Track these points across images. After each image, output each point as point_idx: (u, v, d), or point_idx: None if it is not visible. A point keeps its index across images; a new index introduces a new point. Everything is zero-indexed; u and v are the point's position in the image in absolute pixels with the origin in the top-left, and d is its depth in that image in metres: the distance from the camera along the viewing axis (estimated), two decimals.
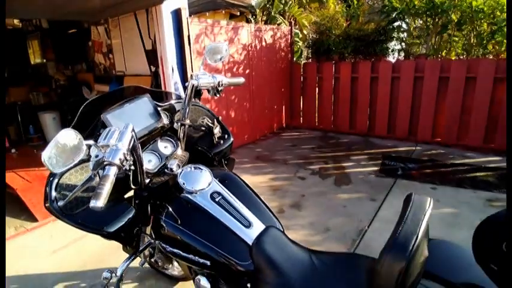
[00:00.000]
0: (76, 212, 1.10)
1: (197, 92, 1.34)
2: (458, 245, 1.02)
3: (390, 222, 1.23)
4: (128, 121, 0.96)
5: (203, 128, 1.44)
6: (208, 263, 1.07)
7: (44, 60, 5.63)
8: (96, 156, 0.98)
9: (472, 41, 4.59)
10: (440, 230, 2.31)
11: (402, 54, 5.65)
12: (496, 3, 4.03)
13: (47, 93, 5.37)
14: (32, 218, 2.71)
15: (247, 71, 4.53)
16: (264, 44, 4.78)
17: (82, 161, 1.10)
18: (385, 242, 0.73)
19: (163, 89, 3.49)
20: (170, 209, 1.15)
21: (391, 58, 5.61)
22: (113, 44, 4.52)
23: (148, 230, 1.40)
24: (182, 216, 1.13)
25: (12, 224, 2.67)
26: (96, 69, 5.07)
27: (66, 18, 4.49)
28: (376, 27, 5.12)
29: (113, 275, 1.23)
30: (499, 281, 0.73)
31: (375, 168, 3.60)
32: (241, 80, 1.50)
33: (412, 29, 5.42)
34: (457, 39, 4.85)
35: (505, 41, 4.11)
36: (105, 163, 0.86)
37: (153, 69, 3.95)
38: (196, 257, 1.08)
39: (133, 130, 0.95)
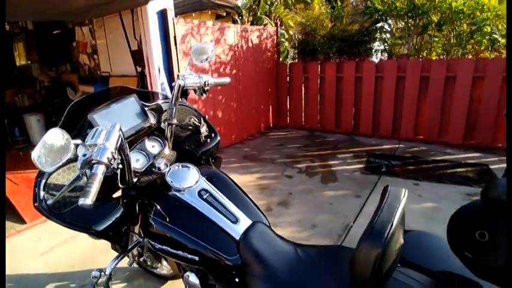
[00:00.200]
0: (64, 211, 1.10)
1: (184, 92, 1.36)
2: (436, 236, 1.07)
3: None
4: (115, 121, 0.98)
5: (190, 127, 1.46)
6: (196, 258, 1.09)
7: (29, 62, 5.52)
8: (84, 155, 0.99)
9: (451, 41, 4.75)
10: (422, 223, 2.41)
11: (385, 54, 5.79)
12: (475, 3, 4.17)
13: (32, 95, 5.26)
14: (21, 220, 2.68)
15: (234, 72, 4.55)
16: (250, 44, 4.82)
17: (69, 161, 1.11)
18: None
19: (149, 89, 3.48)
20: (158, 207, 1.16)
21: (375, 58, 5.74)
22: (97, 45, 4.46)
23: (136, 228, 1.41)
24: (170, 214, 1.15)
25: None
26: (81, 70, 4.99)
27: (51, 19, 4.41)
28: (360, 28, 5.24)
29: (102, 274, 1.24)
30: (472, 267, 0.79)
31: (360, 166, 3.69)
32: (227, 80, 1.53)
33: (394, 29, 5.56)
34: (437, 39, 5.01)
35: (484, 40, 4.27)
36: (93, 162, 0.87)
37: (139, 69, 3.93)
38: (185, 253, 1.10)
39: (120, 129, 0.96)
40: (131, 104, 1.32)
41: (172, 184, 1.18)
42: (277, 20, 6.13)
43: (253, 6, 6.02)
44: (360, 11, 5.72)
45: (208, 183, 1.24)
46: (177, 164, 1.26)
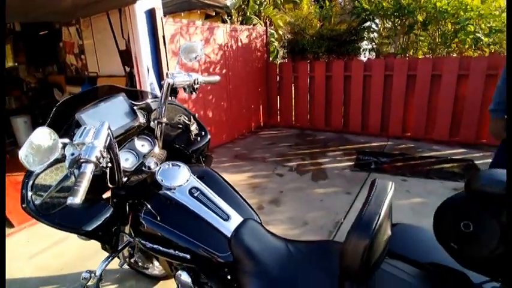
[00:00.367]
0: (53, 212, 1.09)
1: (173, 91, 1.35)
2: (423, 228, 1.10)
3: None
4: (103, 120, 0.97)
5: (180, 126, 1.45)
6: (188, 256, 1.09)
7: (16, 64, 5.40)
8: (72, 154, 0.98)
9: (437, 40, 4.85)
10: (411, 218, 2.46)
11: (373, 53, 5.87)
12: (459, 3, 4.27)
13: (19, 97, 5.15)
14: (9, 224, 2.63)
15: (224, 71, 4.55)
16: (240, 44, 4.82)
17: (57, 161, 1.10)
18: None
19: (137, 89, 3.45)
20: (149, 206, 1.16)
21: (363, 57, 5.81)
22: (85, 45, 4.40)
23: (127, 229, 1.40)
24: (161, 213, 1.14)
25: None
26: (68, 70, 4.91)
27: (38, 20, 4.33)
28: (348, 28, 5.30)
29: (92, 275, 1.23)
30: (458, 257, 0.81)
31: (350, 163, 3.74)
32: (217, 78, 1.53)
33: (381, 29, 5.65)
34: (423, 38, 5.11)
35: (468, 39, 4.37)
36: (81, 161, 0.86)
37: (127, 69, 3.89)
38: (177, 252, 1.10)
39: (109, 128, 0.96)
40: (120, 103, 1.31)
41: (163, 183, 1.17)
42: (267, 20, 6.14)
43: (243, 6, 6.03)
44: (347, 11, 5.79)
45: (199, 181, 1.24)
46: (168, 162, 1.25)
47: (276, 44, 6.37)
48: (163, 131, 1.37)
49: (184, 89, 1.40)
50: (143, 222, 1.16)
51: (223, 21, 5.86)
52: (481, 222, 0.74)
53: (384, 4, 4.76)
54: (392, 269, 0.87)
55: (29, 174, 1.09)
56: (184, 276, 1.15)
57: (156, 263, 1.80)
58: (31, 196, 1.07)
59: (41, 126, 0.83)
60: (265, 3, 6.31)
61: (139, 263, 1.77)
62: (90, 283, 1.24)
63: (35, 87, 5.32)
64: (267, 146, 4.59)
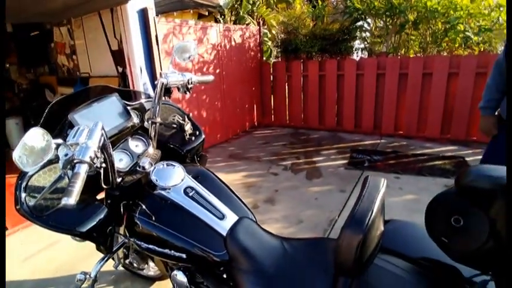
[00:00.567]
0: (47, 213, 1.08)
1: (167, 90, 1.35)
2: (415, 224, 1.11)
3: None
4: (97, 121, 0.96)
5: (174, 126, 1.45)
6: (184, 256, 1.09)
7: (7, 65, 5.31)
8: (66, 155, 0.98)
9: (427, 40, 4.92)
10: (404, 214, 2.49)
11: (365, 52, 5.92)
12: (449, 3, 4.33)
13: (10, 99, 5.07)
14: None
15: (218, 71, 4.54)
16: (233, 43, 4.82)
17: (50, 162, 1.09)
18: None
19: (131, 89, 3.43)
20: (144, 206, 1.15)
21: (355, 56, 5.86)
22: (76, 45, 4.35)
23: (121, 229, 1.39)
24: (156, 212, 1.14)
25: None
26: (59, 71, 4.86)
27: (29, 20, 4.27)
28: (341, 27, 5.33)
29: (87, 277, 1.22)
30: (449, 251, 0.82)
31: (344, 162, 3.77)
32: (211, 77, 1.53)
33: (373, 28, 5.69)
34: (414, 37, 5.17)
35: (458, 38, 4.44)
36: (75, 161, 0.86)
37: (120, 69, 3.86)
38: (172, 251, 1.10)
39: (103, 128, 0.95)
40: (113, 103, 1.30)
41: (158, 183, 1.17)
42: (260, 20, 6.15)
43: (236, 6, 6.03)
44: (340, 10, 5.82)
45: (194, 180, 1.24)
46: (162, 162, 1.25)
47: (269, 43, 6.38)
48: (158, 131, 1.37)
49: (178, 89, 1.39)
50: (138, 222, 1.15)
51: (216, 21, 5.86)
52: (471, 217, 0.75)
53: (376, 4, 4.80)
54: (385, 264, 0.89)
55: (22, 175, 1.08)
56: (180, 276, 1.15)
57: (151, 263, 1.80)
58: (25, 198, 1.06)
59: (34, 127, 0.83)
60: (258, 2, 6.32)
61: (135, 264, 1.76)
62: (85, 285, 1.23)
63: (26, 88, 5.25)
64: (261, 146, 4.59)
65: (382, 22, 5.30)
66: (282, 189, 3.16)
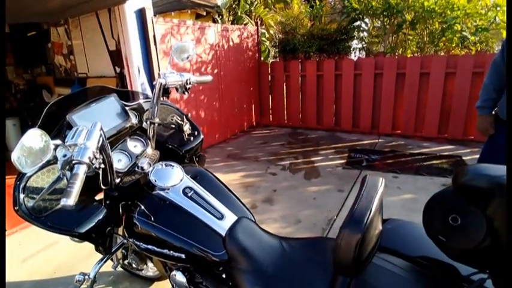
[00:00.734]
0: (46, 214, 1.08)
1: (165, 91, 1.34)
2: (413, 223, 1.12)
3: None
4: (95, 121, 0.96)
5: (173, 126, 1.45)
6: (183, 256, 1.09)
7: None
8: (64, 155, 0.98)
9: (424, 39, 4.93)
10: (402, 214, 2.49)
11: (363, 52, 5.94)
12: (446, 2, 4.35)
13: (7, 99, 5.05)
14: None
15: (216, 71, 4.54)
16: (231, 43, 4.82)
17: (49, 163, 1.09)
18: None
19: (129, 89, 3.42)
20: (142, 206, 1.15)
21: (353, 56, 5.87)
22: (73, 45, 4.34)
23: (120, 230, 1.39)
24: (155, 213, 1.14)
25: None
26: (57, 71, 4.84)
27: (26, 20, 4.25)
28: (338, 27, 5.34)
29: (86, 277, 1.22)
30: (447, 250, 0.83)
31: (342, 161, 3.78)
32: (209, 78, 1.53)
33: (371, 28, 5.71)
34: (411, 37, 5.19)
35: (455, 38, 4.46)
36: (74, 162, 0.86)
37: (118, 70, 3.85)
38: (171, 252, 1.10)
39: (101, 129, 0.95)
40: (111, 103, 1.30)
41: (157, 183, 1.17)
42: (258, 20, 6.15)
43: (234, 6, 6.03)
44: (338, 10, 5.84)
45: (193, 181, 1.24)
46: (161, 162, 1.25)
47: (267, 43, 6.38)
48: (156, 131, 1.37)
49: (177, 89, 1.39)
50: (137, 223, 1.15)
51: (214, 21, 5.86)
52: (468, 216, 0.76)
53: (373, 3, 4.82)
54: (383, 263, 0.89)
55: (20, 176, 1.08)
56: (179, 276, 1.15)
57: (150, 264, 1.79)
58: (23, 199, 1.06)
59: (33, 128, 0.83)
60: (256, 2, 6.32)
61: (133, 265, 1.76)
62: (83, 285, 1.23)
63: (23, 89, 5.23)
64: (259, 145, 4.60)
65: (379, 22, 5.32)
66: (280, 189, 3.16)
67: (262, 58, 5.78)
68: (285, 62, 5.38)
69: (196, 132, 1.50)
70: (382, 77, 4.54)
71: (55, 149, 0.89)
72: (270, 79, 5.49)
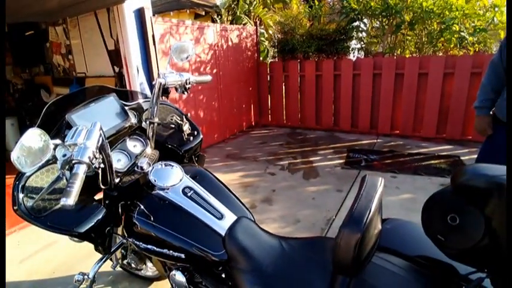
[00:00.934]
0: (45, 214, 1.08)
1: (165, 91, 1.35)
2: (412, 223, 1.13)
3: None
4: (94, 121, 0.96)
5: (172, 126, 1.45)
6: (182, 256, 1.09)
7: None
8: (64, 155, 0.98)
9: (423, 40, 4.95)
10: (401, 214, 2.50)
11: (362, 52, 5.95)
12: (444, 3, 4.36)
13: (5, 99, 5.03)
14: None
15: (215, 71, 4.54)
16: (230, 43, 4.82)
17: (48, 163, 1.09)
18: None
19: (128, 89, 3.41)
20: (142, 206, 1.16)
21: (352, 56, 5.88)
22: (72, 45, 4.33)
23: (120, 230, 1.39)
24: (155, 213, 1.14)
25: None
26: (55, 71, 4.82)
27: (25, 20, 4.24)
28: (337, 27, 5.35)
29: (85, 277, 1.22)
30: (445, 249, 0.84)
31: (341, 161, 3.78)
32: (208, 77, 1.53)
33: (370, 29, 5.72)
34: (410, 38, 5.20)
35: (453, 38, 4.47)
36: (73, 162, 0.86)
37: (116, 69, 3.85)
38: (171, 251, 1.10)
39: (101, 128, 0.95)
40: (110, 103, 1.30)
41: (156, 183, 1.17)
42: (257, 20, 6.15)
43: (232, 6, 6.03)
44: (336, 11, 5.85)
45: (192, 180, 1.24)
46: (160, 162, 1.25)
47: (266, 43, 6.38)
48: (156, 131, 1.37)
49: (176, 89, 1.39)
50: (136, 222, 1.15)
51: (213, 21, 5.86)
52: (467, 216, 0.76)
53: (372, 4, 4.83)
54: (382, 262, 0.90)
55: (20, 176, 1.08)
56: (179, 276, 1.15)
57: (149, 264, 1.79)
58: (22, 198, 1.06)
59: (32, 128, 0.83)
60: (255, 2, 6.32)
61: (133, 265, 1.76)
62: (83, 285, 1.23)
63: (21, 88, 5.21)
64: (258, 145, 4.60)
65: (378, 22, 5.33)
66: (279, 189, 3.17)
67: (261, 58, 5.79)
68: (284, 62, 5.39)
69: (195, 132, 1.50)
70: (381, 77, 4.55)
71: (54, 149, 0.89)
72: (269, 79, 5.49)
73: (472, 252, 0.76)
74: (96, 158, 0.90)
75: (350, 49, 5.66)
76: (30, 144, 0.81)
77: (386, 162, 3.70)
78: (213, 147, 4.57)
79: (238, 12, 6.04)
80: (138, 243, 1.17)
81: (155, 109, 1.31)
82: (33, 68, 5.26)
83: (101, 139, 0.94)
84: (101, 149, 0.96)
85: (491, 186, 0.70)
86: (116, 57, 3.75)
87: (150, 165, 1.25)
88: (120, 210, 1.24)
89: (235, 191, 1.31)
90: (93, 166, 0.90)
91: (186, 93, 1.40)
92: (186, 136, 1.46)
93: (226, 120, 4.93)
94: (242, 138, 5.04)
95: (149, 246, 1.14)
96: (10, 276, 2.07)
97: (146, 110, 1.42)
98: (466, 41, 4.50)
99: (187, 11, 5.55)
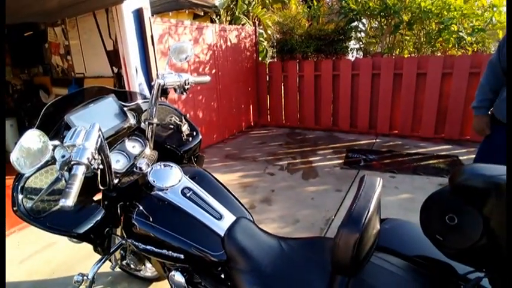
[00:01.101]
0: (44, 215, 1.08)
1: (163, 91, 1.35)
2: (411, 223, 1.13)
3: None
4: (93, 122, 0.96)
5: (171, 126, 1.45)
6: (181, 256, 1.09)
7: None
8: (63, 156, 0.98)
9: (421, 40, 4.96)
10: (400, 213, 2.51)
11: (360, 52, 5.96)
12: (443, 3, 4.37)
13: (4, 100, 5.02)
14: None
15: (214, 71, 4.54)
16: (229, 44, 4.82)
17: (47, 164, 1.09)
18: None
19: (127, 90, 3.41)
20: (141, 207, 1.16)
21: (351, 56, 5.89)
22: (71, 45, 4.32)
23: (119, 231, 1.39)
24: (153, 213, 1.14)
25: None
26: (54, 71, 4.82)
27: (23, 20, 4.23)
28: (336, 28, 5.36)
29: (85, 278, 1.22)
30: (443, 249, 0.84)
31: (340, 161, 3.79)
32: (207, 78, 1.54)
33: (368, 29, 5.73)
34: (408, 38, 5.21)
35: (451, 38, 4.49)
36: (72, 163, 0.86)
37: (115, 70, 3.84)
38: (170, 252, 1.10)
39: (100, 129, 0.95)
40: (109, 104, 1.30)
41: (155, 183, 1.17)
42: (255, 20, 6.15)
43: (231, 6, 6.03)
44: (335, 11, 5.85)
45: (191, 181, 1.24)
46: (159, 163, 1.25)
47: (265, 43, 6.39)
48: (155, 131, 1.37)
49: (175, 90, 1.40)
50: (135, 223, 1.15)
51: (212, 21, 5.85)
52: (465, 215, 0.76)
53: (371, 4, 4.83)
54: (381, 262, 0.90)
55: (19, 177, 1.08)
56: (178, 277, 1.15)
57: (148, 264, 1.79)
58: (22, 199, 1.06)
59: (31, 129, 0.83)
60: (253, 3, 6.32)
61: (132, 265, 1.76)
62: (82, 286, 1.23)
63: (20, 89, 5.21)
64: (257, 146, 4.60)
65: (376, 22, 5.34)
66: (279, 189, 3.17)
67: (260, 58, 5.79)
68: (282, 62, 5.39)
69: (194, 133, 1.51)
70: (380, 77, 4.56)
71: (53, 150, 0.89)
72: (268, 79, 5.49)
73: (470, 252, 0.76)
74: (95, 159, 0.90)
75: (349, 49, 5.67)
76: (29, 146, 0.81)
77: (385, 162, 3.71)
78: (212, 148, 4.57)
79: (237, 13, 6.04)
80: (137, 244, 1.17)
81: (154, 110, 1.31)
82: (32, 69, 5.25)
83: (99, 140, 0.94)
84: (100, 149, 0.96)
85: (489, 186, 0.71)
86: (114, 57, 3.75)
87: (149, 166, 1.25)
88: (119, 211, 1.24)
89: (234, 192, 1.31)
90: (92, 167, 0.90)
91: (185, 93, 1.40)
92: (185, 137, 1.46)
93: (225, 120, 4.93)
94: (241, 138, 5.04)
95: (148, 247, 1.14)
96: (10, 277, 2.07)
97: (145, 110, 1.43)
98: (464, 41, 4.52)
99: (186, 11, 5.55)
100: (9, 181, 1.09)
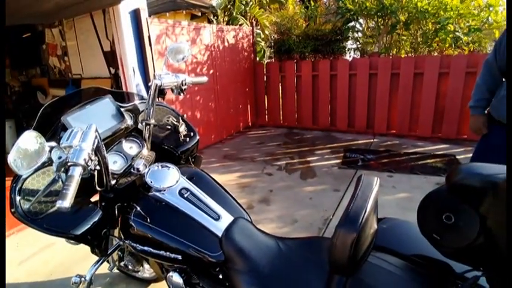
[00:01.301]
0: (41, 216, 1.07)
1: (161, 92, 1.34)
2: (408, 222, 1.13)
3: None
4: (90, 123, 0.96)
5: (168, 127, 1.45)
6: (179, 257, 1.09)
7: None
8: (59, 157, 0.97)
9: (418, 40, 4.98)
10: (398, 213, 2.51)
11: (358, 52, 5.97)
12: (439, 3, 4.39)
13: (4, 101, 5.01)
14: None
15: (211, 72, 4.54)
16: (226, 44, 4.82)
17: (44, 165, 1.08)
18: None
19: (124, 90, 3.40)
20: (138, 208, 1.15)
21: (348, 56, 5.91)
22: (68, 47, 4.31)
23: (116, 232, 1.39)
24: (151, 214, 1.14)
25: None
26: (51, 73, 4.80)
27: (21, 22, 4.22)
28: (333, 28, 5.37)
29: (82, 279, 1.21)
30: (441, 248, 0.84)
31: (338, 161, 3.80)
32: (205, 78, 1.53)
33: (365, 29, 5.75)
34: (405, 38, 5.23)
35: (448, 38, 4.51)
36: (69, 164, 0.85)
37: (112, 71, 3.83)
38: (168, 253, 1.10)
39: (96, 130, 0.95)
40: (106, 105, 1.30)
41: (153, 184, 1.17)
42: (253, 20, 6.16)
43: (229, 6, 6.03)
44: (332, 11, 5.87)
45: (189, 182, 1.24)
46: (157, 164, 1.25)
47: (262, 44, 6.39)
48: (152, 132, 1.37)
49: (172, 90, 1.39)
50: (133, 224, 1.15)
51: (209, 22, 5.85)
52: (462, 215, 0.77)
53: (367, 4, 4.85)
54: (378, 261, 0.90)
55: (16, 178, 1.07)
56: (176, 278, 1.15)
57: (146, 265, 1.79)
58: (19, 201, 1.05)
59: (28, 130, 0.82)
60: (251, 3, 6.33)
61: (130, 266, 1.75)
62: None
63: (18, 90, 5.19)
64: (255, 146, 4.60)
65: (373, 23, 5.35)
66: (277, 189, 3.17)
67: (257, 58, 5.79)
68: (280, 62, 5.40)
69: (192, 133, 1.50)
70: (377, 77, 4.57)
71: (50, 151, 0.89)
72: (265, 79, 5.50)
73: (467, 251, 0.76)
74: (91, 160, 0.90)
75: (346, 49, 5.69)
76: (27, 147, 0.81)
77: (383, 161, 3.72)
78: (210, 148, 4.57)
79: (234, 13, 6.05)
80: (134, 245, 1.17)
81: (151, 110, 1.31)
82: (29, 70, 5.23)
83: (96, 141, 0.94)
84: (97, 150, 0.96)
85: (485, 185, 0.71)
86: (111, 58, 3.74)
87: (146, 167, 1.25)
88: (116, 212, 1.24)
89: (232, 192, 1.31)
90: (89, 168, 0.90)
91: (182, 94, 1.40)
92: (182, 137, 1.46)
93: (223, 120, 4.92)
94: (239, 138, 5.04)
95: (146, 248, 1.14)
96: (8, 278, 2.07)
97: (142, 111, 1.42)
98: (460, 41, 4.54)
99: (184, 11, 5.54)
100: (9, 182, 1.08)
